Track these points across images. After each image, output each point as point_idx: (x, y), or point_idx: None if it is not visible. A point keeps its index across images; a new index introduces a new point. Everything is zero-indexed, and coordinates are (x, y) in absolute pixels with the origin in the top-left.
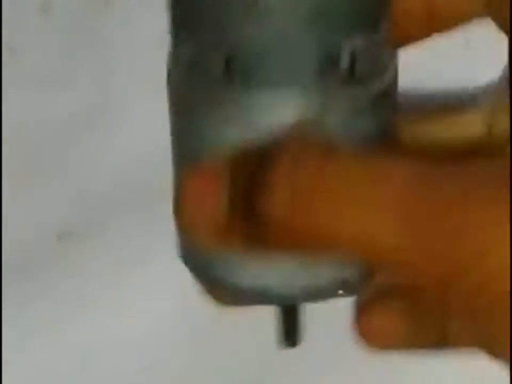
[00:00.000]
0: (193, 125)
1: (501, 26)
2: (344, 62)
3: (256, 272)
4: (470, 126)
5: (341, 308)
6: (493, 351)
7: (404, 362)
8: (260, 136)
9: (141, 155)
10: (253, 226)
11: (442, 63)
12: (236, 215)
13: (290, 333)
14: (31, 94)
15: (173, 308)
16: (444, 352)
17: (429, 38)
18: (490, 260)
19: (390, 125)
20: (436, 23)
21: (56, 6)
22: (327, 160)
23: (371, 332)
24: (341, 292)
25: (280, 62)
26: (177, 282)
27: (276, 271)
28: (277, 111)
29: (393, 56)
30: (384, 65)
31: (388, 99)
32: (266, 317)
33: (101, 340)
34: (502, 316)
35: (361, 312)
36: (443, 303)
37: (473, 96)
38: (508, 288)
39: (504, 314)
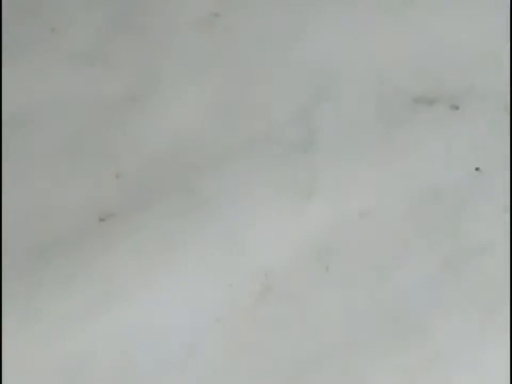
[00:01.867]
0: None
1: None
2: None
3: None
4: None
5: None
6: None
7: None
8: None
9: (182, 137)
10: None
11: None
12: None
13: None
14: (71, 74)
15: (207, 293)
16: None
17: None
18: None
19: None
20: None
21: None
22: None
23: None
24: None
25: None
26: (211, 266)
27: None
28: None
29: None
30: None
31: None
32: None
33: (138, 324)
34: None
35: None
36: None
37: None
38: None
39: None
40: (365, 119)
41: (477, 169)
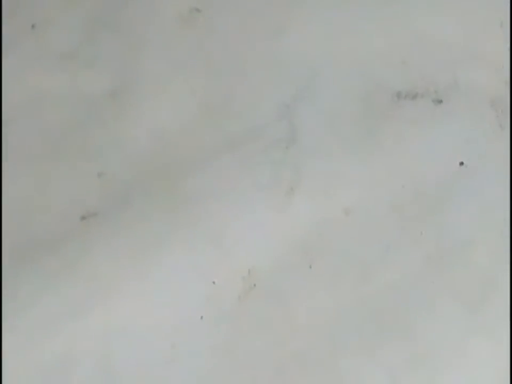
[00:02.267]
0: None
1: None
2: None
3: None
4: None
5: None
6: None
7: None
8: None
9: (164, 134)
10: None
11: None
12: None
13: None
14: (52, 71)
15: (191, 290)
16: None
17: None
18: None
19: None
20: None
21: None
22: None
23: None
24: None
25: None
26: (195, 264)
27: None
28: None
29: None
30: None
31: None
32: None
33: (122, 323)
34: None
35: None
36: None
37: None
38: None
39: None
40: (347, 115)
41: (461, 163)
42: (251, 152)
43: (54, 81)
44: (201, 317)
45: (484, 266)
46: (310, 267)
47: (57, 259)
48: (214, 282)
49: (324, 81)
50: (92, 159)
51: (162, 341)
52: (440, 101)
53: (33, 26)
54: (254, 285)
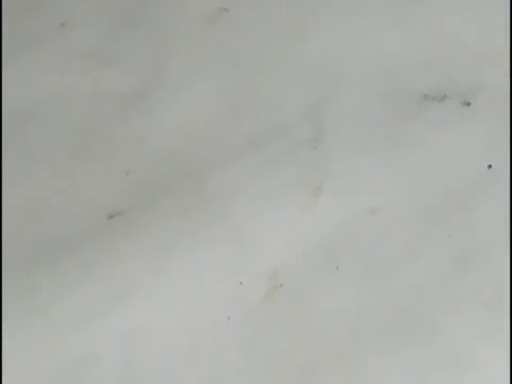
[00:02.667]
0: None
1: None
2: None
3: None
4: None
5: None
6: None
7: None
8: None
9: (190, 133)
10: None
11: None
12: None
13: None
14: (79, 69)
15: (217, 290)
16: None
17: None
18: None
19: None
20: None
21: None
22: None
23: None
24: None
25: None
26: (221, 264)
27: None
28: None
29: None
30: None
31: None
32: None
33: (146, 322)
34: None
35: None
36: None
37: None
38: None
39: None
40: (374, 116)
41: (489, 166)
42: (277, 151)
43: (80, 80)
44: (228, 317)
45: (508, 267)
46: (337, 267)
47: (82, 258)
48: (241, 283)
49: (350, 82)
50: (117, 157)
51: (187, 341)
52: (468, 103)
53: (62, 24)
54: (281, 285)
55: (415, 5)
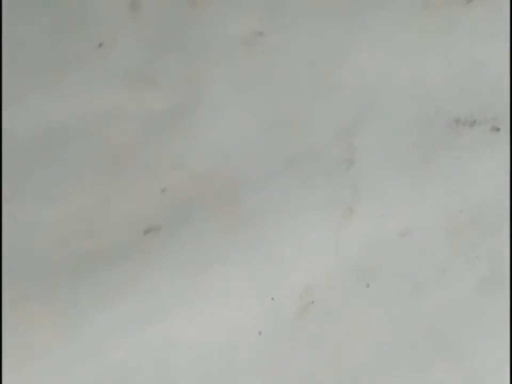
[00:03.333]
0: None
1: None
2: None
3: None
4: None
5: None
6: None
7: None
8: None
9: (225, 153)
10: None
11: None
12: None
13: None
14: (117, 89)
15: (249, 306)
16: None
17: None
18: None
19: None
20: None
21: (144, 4)
22: None
23: None
24: None
25: None
26: (254, 281)
27: None
28: None
29: None
30: None
31: None
32: None
33: (180, 337)
34: None
35: None
36: None
37: None
38: None
39: None
40: (406, 140)
41: None
42: (311, 172)
43: (117, 99)
44: (260, 332)
45: None
46: (368, 286)
47: (118, 272)
48: (272, 298)
49: (383, 105)
50: (154, 175)
51: (220, 355)
52: (498, 129)
53: (100, 45)
54: (312, 302)
55: (449, 33)
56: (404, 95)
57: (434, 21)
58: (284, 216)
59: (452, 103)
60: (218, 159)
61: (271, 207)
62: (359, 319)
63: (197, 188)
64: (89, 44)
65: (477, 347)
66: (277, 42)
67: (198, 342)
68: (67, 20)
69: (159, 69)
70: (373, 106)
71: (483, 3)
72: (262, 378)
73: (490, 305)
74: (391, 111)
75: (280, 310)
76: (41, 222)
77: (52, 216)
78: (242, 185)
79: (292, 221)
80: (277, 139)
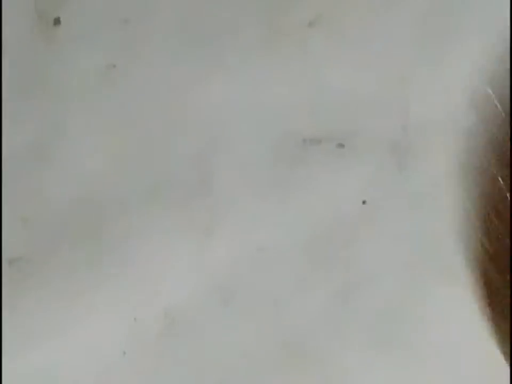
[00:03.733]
0: None
1: None
2: None
3: None
4: None
5: None
6: None
7: None
8: None
9: (87, 184)
10: None
11: None
12: None
13: None
14: None
15: (113, 327)
16: None
17: None
18: None
19: None
20: None
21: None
22: None
23: None
24: None
25: None
26: (119, 300)
27: None
28: None
29: None
30: None
31: None
32: None
33: (46, 365)
34: None
35: None
36: None
37: None
38: None
39: None
40: (260, 162)
41: (363, 202)
42: (171, 198)
43: None
44: (124, 353)
45: (390, 298)
46: (227, 304)
47: None
48: (135, 319)
49: (238, 131)
50: (17, 206)
51: (88, 377)
52: (343, 146)
53: None
54: (174, 321)
55: (299, 60)
56: (255, 120)
57: (281, 46)
58: (147, 241)
59: (300, 125)
60: (81, 189)
61: (135, 233)
62: (222, 335)
63: (60, 219)
64: None
65: (338, 360)
66: (130, 74)
67: (68, 367)
68: None
69: (19, 107)
70: (227, 132)
71: (325, 27)
72: None
73: (345, 315)
74: (244, 136)
75: (143, 330)
76: None
77: None
78: (106, 213)
79: (154, 245)
80: (136, 169)
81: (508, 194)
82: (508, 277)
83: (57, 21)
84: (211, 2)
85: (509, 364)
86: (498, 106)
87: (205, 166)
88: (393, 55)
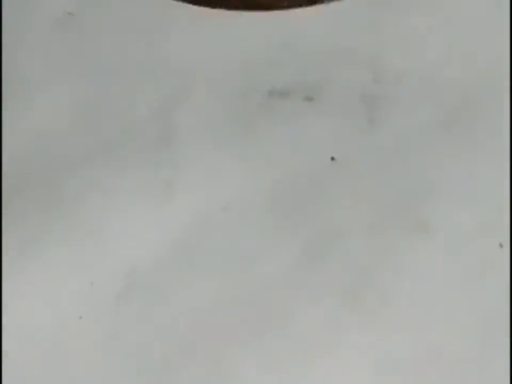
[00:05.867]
0: None
1: None
2: None
3: None
4: None
5: None
6: None
7: None
8: None
9: (45, 137)
10: None
11: None
12: None
13: None
14: None
15: (69, 291)
16: None
17: None
18: None
19: None
20: None
21: None
22: None
23: None
24: None
25: None
26: (73, 264)
27: None
28: None
29: None
30: None
31: None
32: None
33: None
34: None
35: None
36: None
37: None
38: None
39: None
40: (223, 114)
41: (332, 158)
42: (129, 152)
43: None
44: (81, 317)
45: (357, 255)
46: (191, 264)
47: None
48: (92, 283)
49: (202, 83)
50: None
51: (41, 341)
52: (311, 99)
53: None
54: (134, 283)
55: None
56: (219, 72)
57: None
58: (104, 197)
59: (267, 76)
60: (37, 143)
61: (91, 189)
62: (183, 297)
63: (15, 172)
64: None
65: (304, 314)
66: (90, 23)
67: (23, 331)
68: None
69: None
70: (191, 84)
71: None
72: (85, 361)
73: (312, 272)
74: (208, 88)
75: (101, 293)
76: None
77: None
78: (62, 168)
79: (112, 202)
80: (92, 121)
81: None
82: None
83: None
84: None
85: None
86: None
87: (167, 118)
88: (363, 4)
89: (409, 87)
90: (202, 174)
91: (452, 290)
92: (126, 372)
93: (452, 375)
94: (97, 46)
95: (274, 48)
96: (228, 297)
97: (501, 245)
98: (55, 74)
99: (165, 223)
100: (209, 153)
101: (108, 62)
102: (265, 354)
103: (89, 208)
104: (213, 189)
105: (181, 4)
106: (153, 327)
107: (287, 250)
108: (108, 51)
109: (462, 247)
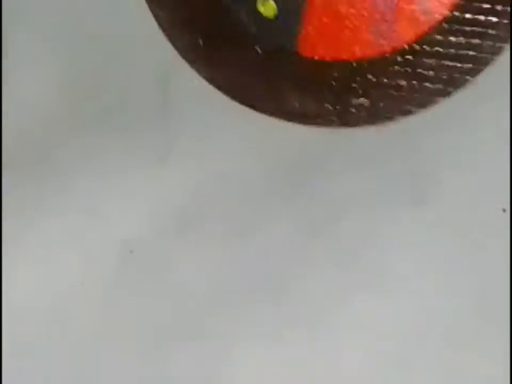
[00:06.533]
0: None
1: None
2: None
3: None
4: None
5: None
6: None
7: None
8: None
9: (37, 108)
10: None
11: None
12: None
13: None
14: None
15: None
16: None
17: None
18: None
19: None
20: None
21: None
22: None
23: None
24: None
25: None
26: (72, 232)
27: None
28: None
29: None
30: None
31: None
32: None
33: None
34: None
35: None
36: None
37: None
38: None
39: None
40: None
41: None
42: (124, 121)
43: None
44: (82, 283)
45: (357, 227)
46: (187, 234)
47: None
48: (92, 251)
49: None
50: None
51: (43, 307)
52: None
53: None
54: (131, 252)
55: None
56: None
57: None
58: (99, 167)
59: None
60: (31, 114)
61: (87, 159)
62: (182, 266)
63: (10, 144)
64: None
65: (304, 288)
66: None
67: (24, 298)
68: None
69: None
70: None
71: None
72: (87, 328)
73: (317, 246)
74: None
75: (101, 262)
76: None
77: None
78: (57, 138)
79: (106, 173)
80: (89, 89)
81: None
82: None
83: None
84: None
85: None
86: None
87: (164, 87)
88: None
89: None
90: (198, 144)
91: (452, 256)
92: (122, 339)
93: (451, 341)
94: (89, 6)
95: None
96: (225, 267)
97: (504, 210)
98: (46, 43)
99: (160, 192)
100: (205, 121)
101: (101, 23)
102: (267, 322)
103: (84, 180)
104: (208, 158)
105: None
106: (153, 294)
107: (286, 225)
108: (100, 12)
109: (462, 214)
